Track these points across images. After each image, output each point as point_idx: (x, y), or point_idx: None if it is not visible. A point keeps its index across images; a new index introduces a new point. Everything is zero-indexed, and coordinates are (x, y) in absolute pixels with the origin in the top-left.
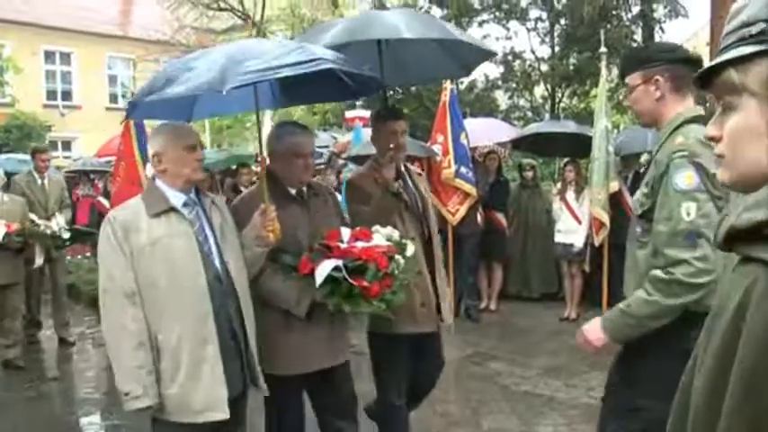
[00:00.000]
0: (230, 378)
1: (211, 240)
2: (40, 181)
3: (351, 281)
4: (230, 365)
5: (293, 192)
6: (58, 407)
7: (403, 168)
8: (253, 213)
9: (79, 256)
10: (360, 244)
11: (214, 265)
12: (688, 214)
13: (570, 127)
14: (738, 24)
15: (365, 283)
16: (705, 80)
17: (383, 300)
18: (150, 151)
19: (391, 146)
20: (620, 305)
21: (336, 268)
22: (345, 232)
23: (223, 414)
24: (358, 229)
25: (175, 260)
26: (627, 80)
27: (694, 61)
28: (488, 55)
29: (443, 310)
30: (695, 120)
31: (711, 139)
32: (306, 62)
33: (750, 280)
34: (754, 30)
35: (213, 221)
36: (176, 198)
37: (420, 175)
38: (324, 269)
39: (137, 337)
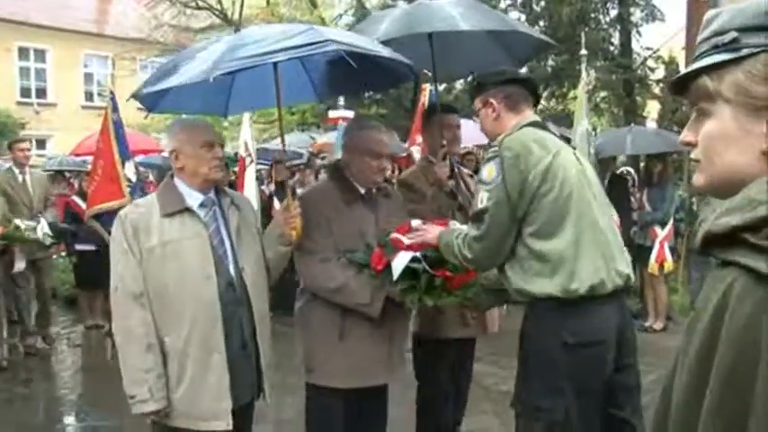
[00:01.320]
0: (238, 389)
1: (227, 244)
2: (21, 177)
3: (432, 272)
4: (239, 376)
5: (362, 190)
6: (33, 408)
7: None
8: (317, 210)
9: (54, 256)
10: None
11: (228, 271)
12: (481, 201)
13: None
14: (711, 33)
15: (448, 274)
16: (680, 86)
17: (467, 288)
18: (167, 148)
19: (444, 142)
20: (459, 228)
21: (415, 259)
22: (416, 223)
23: (226, 425)
24: (429, 220)
25: (186, 263)
26: (473, 107)
27: (522, 80)
28: (544, 46)
29: (490, 317)
30: (531, 124)
31: (687, 144)
32: (308, 45)
33: (727, 283)
34: (726, 38)
35: (230, 223)
36: (193, 198)
37: (471, 177)
38: (401, 261)
39: (144, 340)
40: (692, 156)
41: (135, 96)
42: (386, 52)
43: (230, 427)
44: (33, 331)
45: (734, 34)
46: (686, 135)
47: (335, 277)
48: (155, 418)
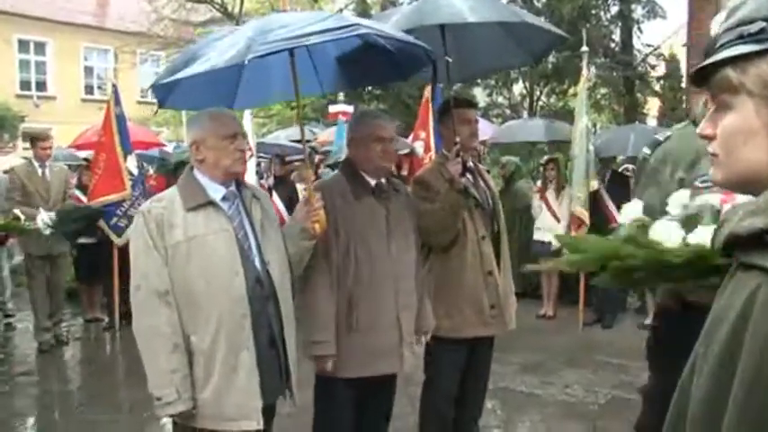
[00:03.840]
0: (266, 388)
1: (251, 238)
2: (40, 171)
3: None
4: (267, 374)
5: (372, 183)
6: (32, 401)
7: (471, 163)
8: (331, 203)
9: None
10: None
11: (254, 265)
12: None
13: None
14: (736, 22)
15: None
16: (701, 77)
17: None
18: (188, 140)
19: (457, 138)
20: None
21: None
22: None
23: (257, 425)
24: None
25: (212, 259)
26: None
27: None
28: (558, 39)
29: (508, 314)
30: None
31: (705, 137)
32: (338, 28)
33: (752, 288)
34: (753, 28)
35: (253, 216)
36: (215, 191)
37: (489, 171)
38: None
39: (171, 340)
40: (710, 149)
41: (152, 87)
42: (410, 38)
43: (261, 427)
44: (45, 327)
45: (761, 24)
46: (705, 128)
47: (321, 308)
48: (177, 420)
